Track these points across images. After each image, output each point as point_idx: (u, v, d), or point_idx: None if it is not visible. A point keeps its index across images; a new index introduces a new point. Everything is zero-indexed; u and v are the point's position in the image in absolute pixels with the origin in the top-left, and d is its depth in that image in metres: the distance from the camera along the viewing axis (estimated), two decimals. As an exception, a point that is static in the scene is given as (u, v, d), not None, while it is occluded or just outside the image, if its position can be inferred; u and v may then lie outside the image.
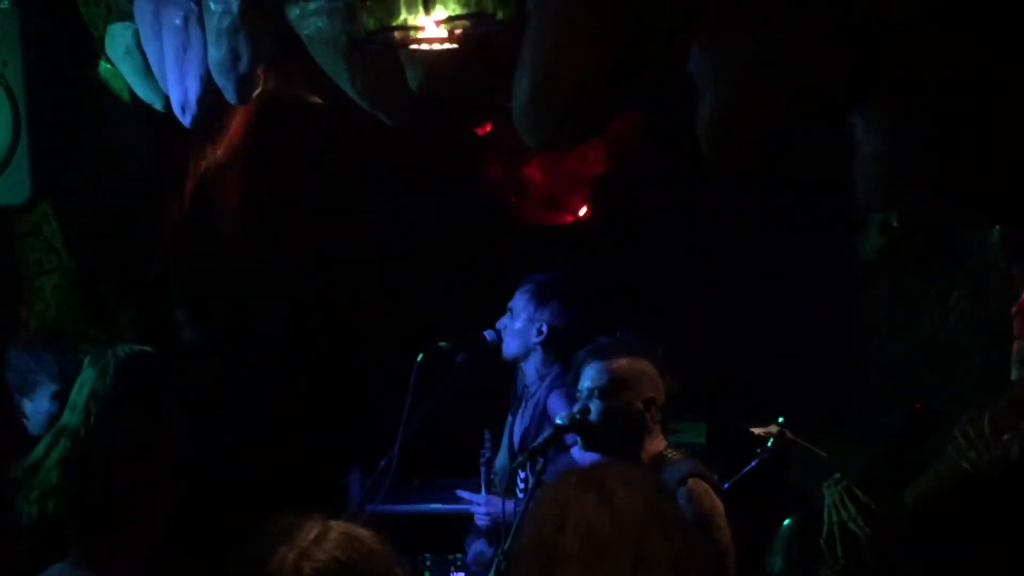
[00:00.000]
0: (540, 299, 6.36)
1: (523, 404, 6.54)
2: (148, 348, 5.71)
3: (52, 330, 6.50)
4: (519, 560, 2.99)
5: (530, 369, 6.45)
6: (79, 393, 5.41)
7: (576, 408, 5.45)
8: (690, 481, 5.28)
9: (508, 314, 6.42)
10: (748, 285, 7.91)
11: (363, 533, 2.64)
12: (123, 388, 5.33)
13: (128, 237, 6.67)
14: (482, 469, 6.46)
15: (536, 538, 2.92)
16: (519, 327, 6.36)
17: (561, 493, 2.97)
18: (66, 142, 6.33)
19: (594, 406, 5.42)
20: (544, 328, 6.33)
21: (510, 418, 6.67)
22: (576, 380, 5.54)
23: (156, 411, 5.30)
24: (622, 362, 5.45)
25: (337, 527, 2.63)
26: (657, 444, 5.49)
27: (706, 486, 5.32)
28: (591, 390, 5.43)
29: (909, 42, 4.52)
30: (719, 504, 5.35)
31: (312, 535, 2.59)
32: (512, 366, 6.50)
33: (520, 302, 6.39)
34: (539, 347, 6.37)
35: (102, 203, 6.57)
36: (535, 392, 6.42)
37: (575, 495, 2.93)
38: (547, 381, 6.35)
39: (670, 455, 5.45)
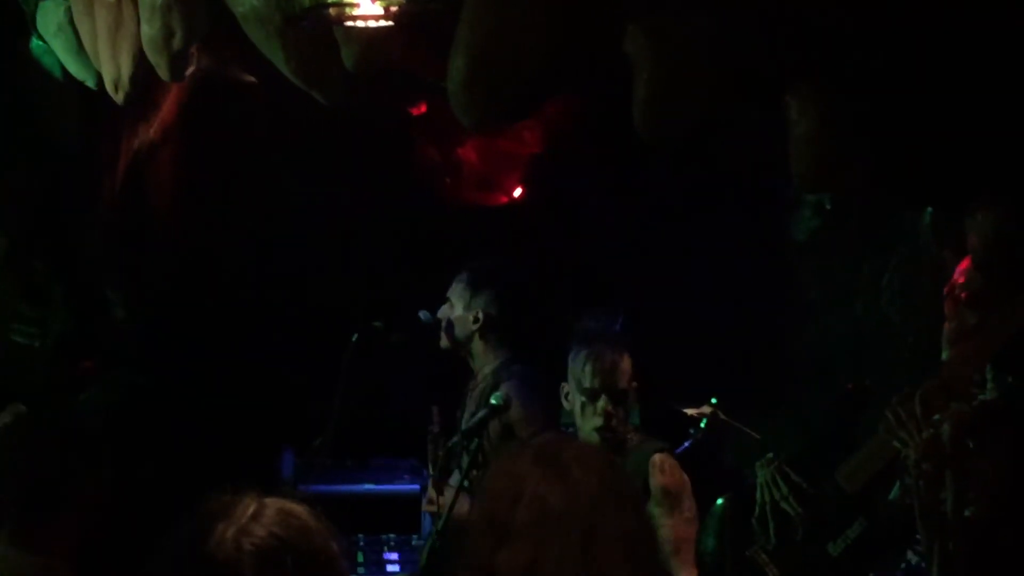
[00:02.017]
0: (476, 287, 6.35)
1: (470, 392, 6.52)
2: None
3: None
4: (471, 535, 2.98)
5: (476, 356, 6.44)
6: None
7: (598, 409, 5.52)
8: (658, 456, 5.53)
9: (447, 303, 6.40)
10: (681, 266, 7.93)
11: (299, 509, 2.62)
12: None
13: (60, 215, 6.62)
14: (429, 446, 6.39)
15: (489, 512, 2.92)
16: (457, 315, 6.35)
17: (516, 467, 2.97)
18: (-1, 120, 6.29)
19: (614, 411, 5.55)
20: (480, 315, 6.32)
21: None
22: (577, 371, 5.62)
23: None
24: (626, 363, 5.56)
25: (273, 503, 2.61)
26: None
27: (674, 461, 5.44)
28: (610, 393, 5.59)
29: (842, 23, 4.53)
30: (687, 479, 5.59)
31: (249, 511, 2.57)
32: (456, 354, 6.47)
33: (457, 290, 6.38)
34: (476, 334, 6.36)
35: (34, 181, 6.52)
36: (481, 379, 6.40)
37: (529, 469, 2.92)
38: (492, 367, 6.32)
39: (631, 437, 5.56)
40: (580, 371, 5.60)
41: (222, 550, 2.51)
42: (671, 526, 5.37)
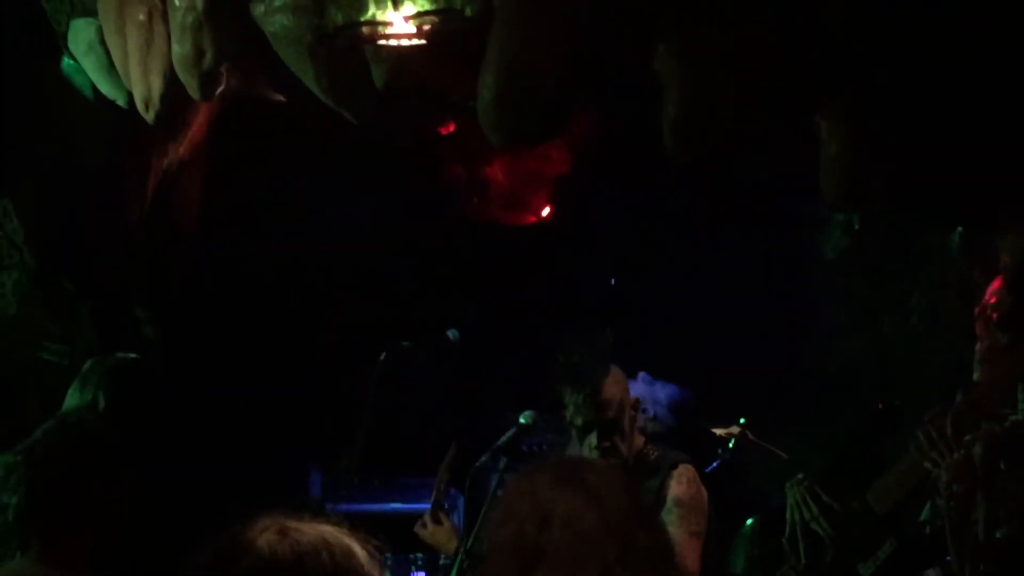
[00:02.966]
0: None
1: None
2: (135, 357, 5.67)
3: (12, 326, 6.46)
4: (495, 558, 2.98)
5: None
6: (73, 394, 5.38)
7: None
8: (681, 467, 5.44)
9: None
10: (709, 285, 7.93)
11: (337, 527, 2.64)
12: (111, 396, 5.30)
13: (89, 234, 6.63)
14: (442, 474, 6.34)
15: (515, 536, 2.92)
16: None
17: (538, 490, 2.97)
18: (28, 138, 6.30)
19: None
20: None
21: None
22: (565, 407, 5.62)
23: (133, 418, 5.27)
24: (612, 387, 5.54)
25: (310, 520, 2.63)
26: (638, 441, 5.59)
27: (694, 472, 5.44)
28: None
29: (871, 42, 4.53)
30: (705, 493, 5.54)
31: (287, 519, 2.59)
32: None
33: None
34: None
35: (64, 200, 6.54)
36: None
37: (557, 492, 2.93)
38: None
39: (649, 452, 5.56)
40: (566, 409, 5.62)
41: (263, 540, 2.52)
42: (674, 536, 5.32)
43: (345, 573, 2.56)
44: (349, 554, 2.58)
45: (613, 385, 5.60)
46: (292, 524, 2.58)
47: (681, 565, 5.28)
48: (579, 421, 5.57)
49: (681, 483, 5.45)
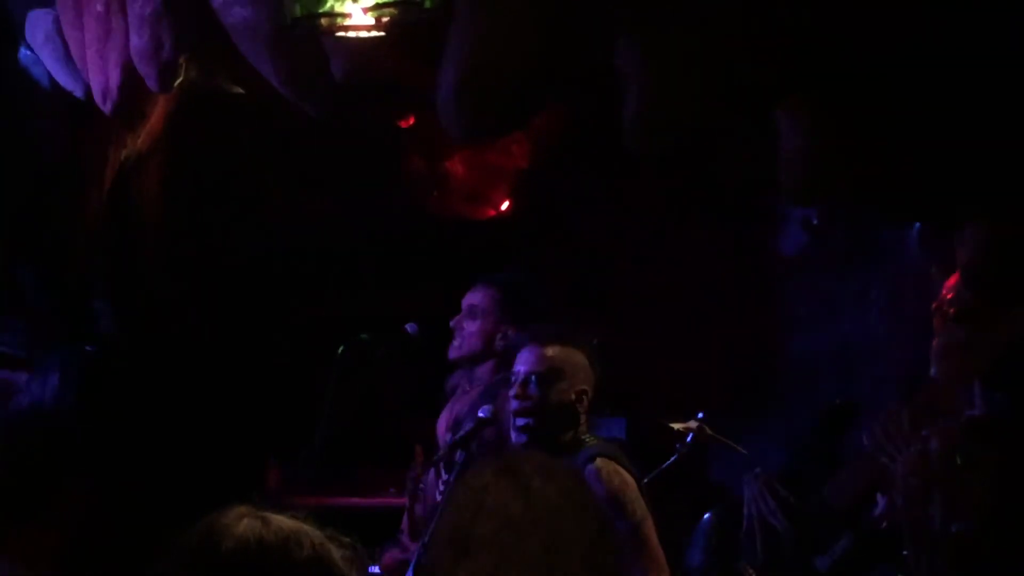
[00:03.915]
0: (510, 304, 6.23)
1: (451, 401, 6.47)
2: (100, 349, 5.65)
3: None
4: (435, 546, 3.00)
5: (481, 372, 6.32)
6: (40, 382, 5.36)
7: (513, 392, 5.42)
8: (597, 460, 5.24)
9: (468, 312, 6.26)
10: (668, 280, 7.94)
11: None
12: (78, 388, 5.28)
13: (47, 226, 6.61)
14: (410, 483, 6.30)
15: (452, 524, 2.93)
16: (485, 329, 6.22)
17: (478, 480, 2.98)
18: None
19: (531, 391, 5.39)
20: (510, 334, 6.19)
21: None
22: (510, 363, 5.51)
23: (99, 410, 5.26)
24: (558, 351, 5.43)
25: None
26: (579, 433, 5.46)
27: (614, 464, 5.27)
28: (527, 375, 5.40)
29: (832, 38, 4.54)
30: (629, 479, 5.29)
31: (261, 509, 2.60)
32: (462, 365, 6.37)
33: (488, 303, 6.24)
34: (499, 352, 6.23)
35: (21, 191, 6.51)
36: (480, 396, 6.33)
37: (492, 481, 2.94)
38: (492, 384, 6.24)
39: (587, 440, 5.41)
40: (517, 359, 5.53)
41: (237, 534, 2.53)
42: (624, 531, 5.28)
43: (323, 562, 2.58)
44: (325, 546, 2.60)
45: (567, 354, 5.48)
46: (261, 520, 2.60)
47: (648, 550, 5.27)
48: (520, 368, 5.47)
49: (601, 480, 5.29)
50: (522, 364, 5.45)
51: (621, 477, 5.27)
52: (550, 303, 6.47)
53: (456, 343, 6.20)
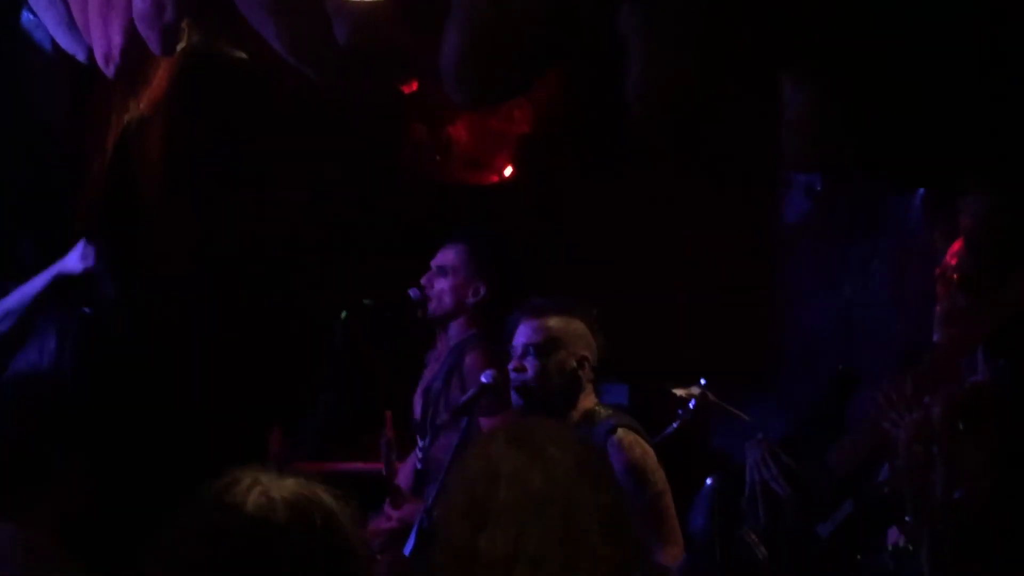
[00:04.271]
0: (480, 259, 6.25)
1: (429, 364, 6.48)
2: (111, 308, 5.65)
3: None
4: (450, 519, 2.98)
5: (454, 331, 6.36)
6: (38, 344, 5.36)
7: (511, 365, 5.44)
8: (619, 431, 5.31)
9: (438, 271, 6.29)
10: (671, 247, 7.92)
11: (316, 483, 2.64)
12: (85, 345, 5.27)
13: (48, 190, 6.60)
14: (383, 451, 6.28)
15: (468, 496, 2.93)
16: (456, 284, 6.24)
17: (489, 450, 2.98)
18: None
19: (529, 364, 5.41)
20: (481, 289, 6.22)
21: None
22: (509, 338, 5.53)
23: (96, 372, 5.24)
24: (556, 321, 5.45)
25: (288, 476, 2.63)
26: (588, 402, 5.49)
27: (635, 435, 5.35)
28: (525, 347, 5.42)
29: (836, 5, 4.53)
30: (650, 450, 5.38)
31: (268, 475, 2.58)
32: (436, 325, 6.40)
33: (457, 260, 6.26)
34: (471, 308, 6.26)
35: (22, 155, 6.50)
36: (448, 353, 6.34)
37: (506, 452, 2.93)
38: (459, 342, 6.25)
39: (600, 411, 5.46)
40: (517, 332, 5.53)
41: (251, 500, 2.51)
42: (644, 502, 5.32)
43: (334, 533, 2.57)
44: (333, 514, 2.59)
45: (565, 323, 5.49)
46: (273, 483, 2.58)
47: (664, 524, 5.31)
48: (519, 340, 5.48)
49: (624, 450, 5.33)
50: (519, 337, 5.47)
51: (642, 448, 5.34)
52: (522, 259, 6.51)
53: (427, 303, 6.22)
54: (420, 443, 6.23)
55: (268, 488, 2.55)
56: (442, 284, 6.23)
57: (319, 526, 2.54)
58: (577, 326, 5.49)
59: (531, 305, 5.55)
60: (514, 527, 2.82)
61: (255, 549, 2.49)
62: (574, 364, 5.42)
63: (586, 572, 2.77)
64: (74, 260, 5.86)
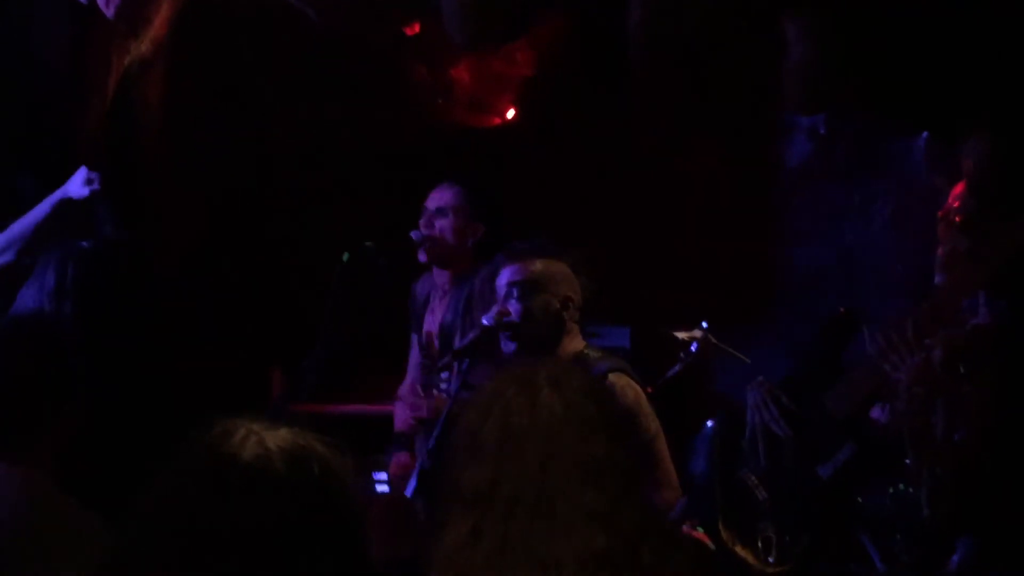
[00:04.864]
0: (476, 200, 6.31)
1: (432, 302, 6.51)
2: (110, 241, 5.62)
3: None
4: (449, 455, 2.97)
5: (455, 269, 6.41)
6: (37, 281, 5.33)
7: (497, 308, 5.45)
8: (611, 376, 5.28)
9: (437, 213, 6.35)
10: (672, 190, 7.91)
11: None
12: (85, 280, 5.24)
13: (49, 131, 6.58)
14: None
15: (467, 431, 2.91)
16: (457, 226, 6.31)
17: (495, 386, 2.96)
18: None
19: (512, 306, 5.42)
20: (480, 231, 6.31)
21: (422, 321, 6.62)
22: (492, 281, 5.55)
23: (111, 304, 5.22)
24: (537, 263, 5.46)
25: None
26: (576, 344, 5.48)
27: (627, 379, 5.32)
28: (509, 288, 5.43)
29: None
30: (642, 394, 5.35)
31: (261, 424, 2.57)
32: (440, 266, 6.45)
33: (455, 200, 6.33)
34: (471, 249, 6.34)
35: (22, 97, 6.48)
36: (452, 290, 6.39)
37: (505, 389, 2.92)
38: (473, 278, 6.30)
39: (590, 354, 5.44)
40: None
41: (247, 448, 2.50)
42: (636, 447, 5.30)
43: (331, 482, 2.56)
44: (329, 463, 2.58)
45: (547, 265, 5.49)
46: (268, 433, 2.57)
47: (659, 469, 5.30)
48: (502, 280, 5.50)
49: (616, 396, 5.29)
50: (502, 280, 5.50)
51: (635, 391, 5.31)
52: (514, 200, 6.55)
53: (428, 244, 6.28)
54: (444, 375, 6.27)
55: (263, 438, 2.54)
56: (443, 224, 6.29)
57: (316, 475, 2.53)
58: (560, 267, 5.49)
59: (514, 249, 5.56)
60: (493, 465, 2.80)
61: (253, 500, 2.49)
62: (557, 305, 5.42)
63: (565, 519, 2.75)
64: (77, 186, 5.82)
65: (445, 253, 6.36)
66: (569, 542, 2.70)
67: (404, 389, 6.60)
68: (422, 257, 6.38)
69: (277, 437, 2.54)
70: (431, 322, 6.52)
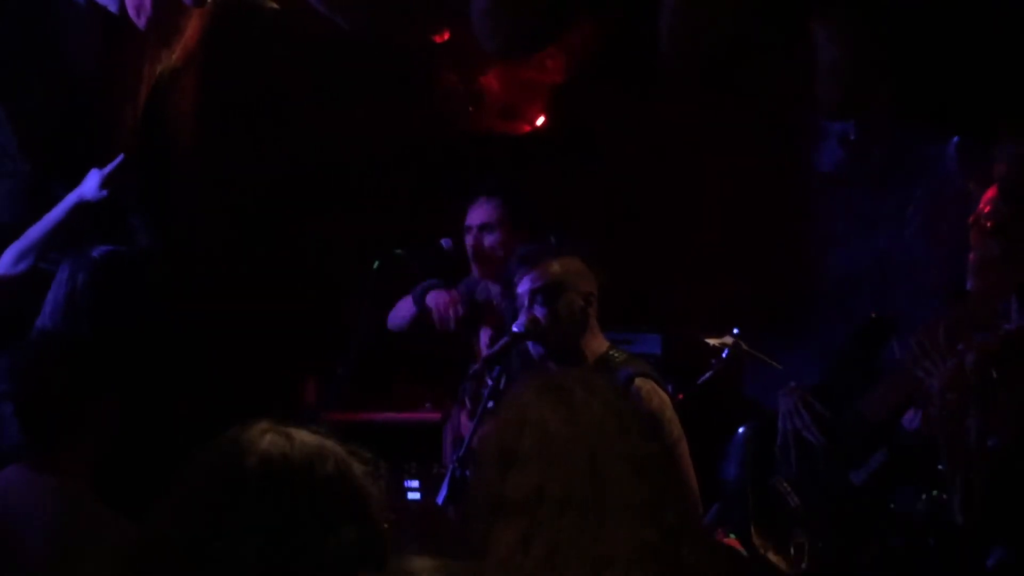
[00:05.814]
0: (518, 212, 6.28)
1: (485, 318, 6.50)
2: (123, 248, 5.63)
3: (6, 235, 6.44)
4: (480, 467, 2.99)
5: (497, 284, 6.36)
6: (53, 294, 5.34)
7: (525, 316, 5.42)
8: (637, 380, 5.24)
9: (483, 228, 6.29)
10: (705, 196, 7.91)
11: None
12: (96, 289, 5.25)
13: (83, 141, 6.60)
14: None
15: (498, 444, 2.93)
16: (504, 240, 6.27)
17: (522, 396, 2.98)
18: (21, 45, 6.25)
19: (538, 311, 5.39)
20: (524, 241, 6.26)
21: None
22: (512, 290, 5.52)
23: (126, 312, 5.23)
24: (554, 265, 5.43)
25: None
26: (600, 344, 5.44)
27: (652, 384, 5.28)
28: (532, 295, 5.40)
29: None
30: (667, 399, 5.31)
31: (282, 426, 2.61)
32: (494, 280, 6.38)
33: (500, 215, 6.28)
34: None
35: (56, 107, 6.51)
36: (502, 302, 6.36)
37: (535, 398, 2.94)
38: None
39: (616, 356, 5.40)
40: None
41: (268, 441, 2.53)
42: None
43: (346, 480, 2.58)
44: (347, 462, 2.61)
45: (564, 264, 5.44)
46: (290, 431, 2.60)
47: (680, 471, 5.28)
48: (521, 289, 5.47)
49: (643, 400, 5.28)
50: (523, 287, 5.46)
51: (660, 397, 5.28)
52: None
53: (480, 261, 6.23)
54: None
55: (279, 440, 2.57)
56: (491, 239, 6.23)
57: (326, 477, 2.56)
58: (576, 264, 5.45)
59: (525, 255, 5.54)
60: (538, 471, 2.82)
61: (269, 489, 2.52)
62: (581, 302, 5.39)
63: (615, 513, 2.77)
64: (91, 188, 5.81)
65: (500, 268, 6.30)
66: (619, 537, 2.72)
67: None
68: (479, 272, 6.33)
69: (298, 434, 2.57)
70: (483, 337, 6.47)
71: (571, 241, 5.57)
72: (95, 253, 5.45)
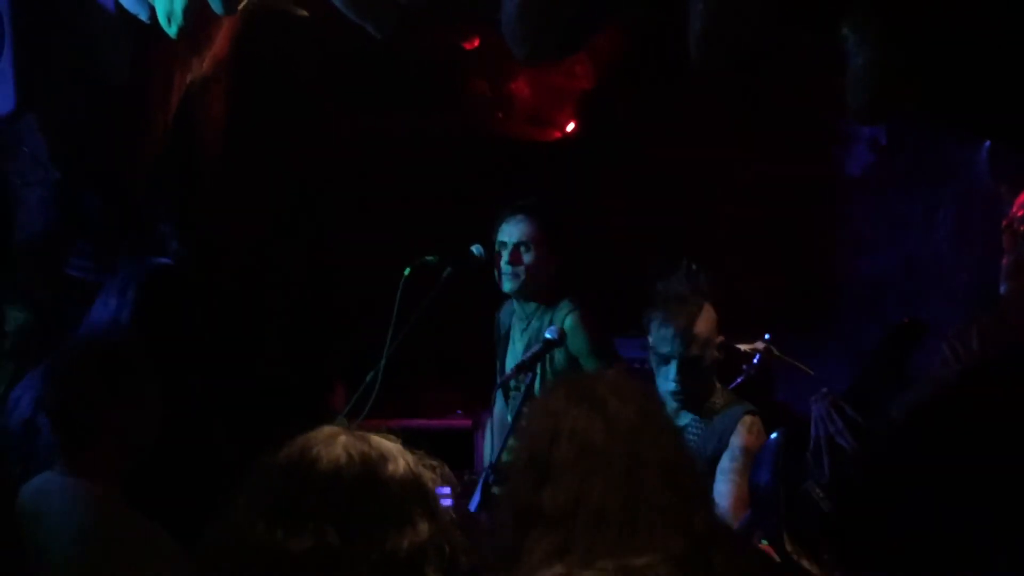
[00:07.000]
0: (554, 230, 6.30)
1: (513, 334, 6.49)
2: (170, 262, 5.66)
3: (37, 242, 6.47)
4: (513, 475, 3.00)
5: (541, 299, 6.36)
6: (101, 303, 5.36)
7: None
8: (750, 416, 5.50)
9: (520, 247, 6.29)
10: (735, 201, 7.90)
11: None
12: (148, 302, 5.26)
13: (113, 150, 6.63)
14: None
15: (530, 453, 2.94)
16: (541, 259, 6.28)
17: (551, 405, 2.98)
18: (51, 53, 6.27)
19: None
20: (560, 260, 6.29)
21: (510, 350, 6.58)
22: (651, 334, 5.56)
23: (174, 324, 5.25)
24: (702, 323, 5.49)
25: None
26: (715, 384, 5.60)
27: (763, 426, 5.46)
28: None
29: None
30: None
31: (350, 428, 2.67)
32: (529, 298, 6.38)
33: (537, 233, 6.30)
34: (555, 278, 6.32)
35: (87, 115, 6.53)
36: (534, 322, 6.36)
37: (566, 406, 2.94)
38: (553, 309, 6.30)
39: (716, 400, 5.58)
40: (654, 336, 5.55)
41: (343, 443, 2.60)
42: (740, 484, 5.36)
43: (418, 480, 2.63)
44: (417, 463, 2.66)
45: (705, 322, 5.56)
46: (360, 432, 2.65)
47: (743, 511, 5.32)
48: (664, 350, 5.53)
49: (751, 432, 5.41)
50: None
51: (765, 438, 5.39)
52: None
53: (520, 280, 6.24)
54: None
55: (354, 442, 2.63)
56: (530, 258, 6.24)
57: (400, 479, 2.61)
58: (709, 315, 5.57)
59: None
60: (576, 482, 2.83)
61: (354, 489, 2.58)
62: (716, 355, 5.53)
63: (647, 522, 2.77)
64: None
65: (537, 287, 6.32)
66: (651, 545, 2.72)
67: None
68: (506, 288, 6.34)
69: (370, 436, 2.62)
70: (513, 356, 6.47)
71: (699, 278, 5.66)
72: (146, 266, 5.47)
